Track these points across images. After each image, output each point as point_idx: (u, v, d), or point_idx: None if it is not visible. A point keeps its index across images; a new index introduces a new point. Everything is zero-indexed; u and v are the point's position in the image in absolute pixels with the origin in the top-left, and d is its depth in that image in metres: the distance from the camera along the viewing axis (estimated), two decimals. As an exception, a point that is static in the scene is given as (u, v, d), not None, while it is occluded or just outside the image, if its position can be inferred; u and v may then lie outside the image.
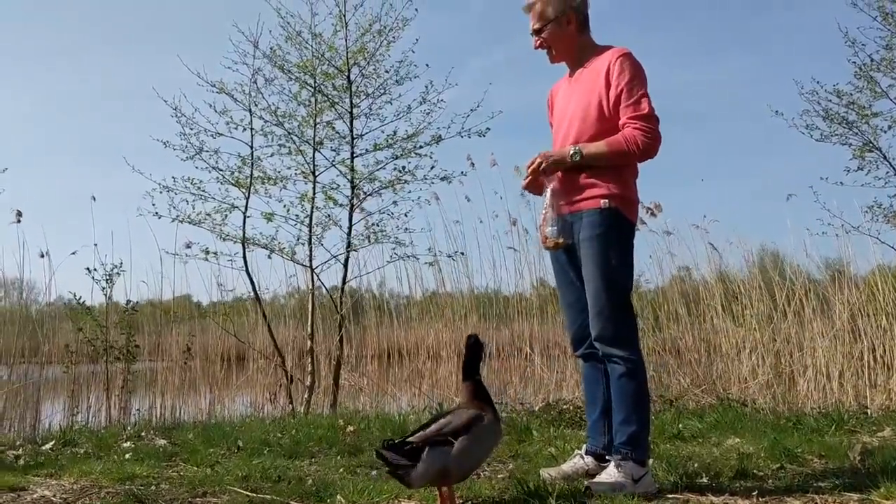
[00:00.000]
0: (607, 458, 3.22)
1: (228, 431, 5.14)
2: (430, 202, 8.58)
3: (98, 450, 4.66)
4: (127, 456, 4.36)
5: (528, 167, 3.34)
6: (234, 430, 5.31)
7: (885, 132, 7.96)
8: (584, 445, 3.47)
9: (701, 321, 8.41)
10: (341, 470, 3.73)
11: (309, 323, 7.90)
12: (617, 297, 3.18)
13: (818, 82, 8.08)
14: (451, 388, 8.33)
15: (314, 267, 7.90)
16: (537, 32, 3.45)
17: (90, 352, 7.50)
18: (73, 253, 7.80)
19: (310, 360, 7.82)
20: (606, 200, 3.21)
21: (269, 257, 7.96)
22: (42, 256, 8.00)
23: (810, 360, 7.16)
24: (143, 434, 5.24)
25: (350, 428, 5.16)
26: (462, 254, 8.51)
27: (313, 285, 7.96)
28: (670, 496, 2.96)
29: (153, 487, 3.42)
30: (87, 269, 7.40)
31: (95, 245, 7.57)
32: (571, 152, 3.23)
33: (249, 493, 3.12)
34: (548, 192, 3.30)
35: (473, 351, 3.19)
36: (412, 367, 9.08)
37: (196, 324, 9.33)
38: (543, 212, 3.32)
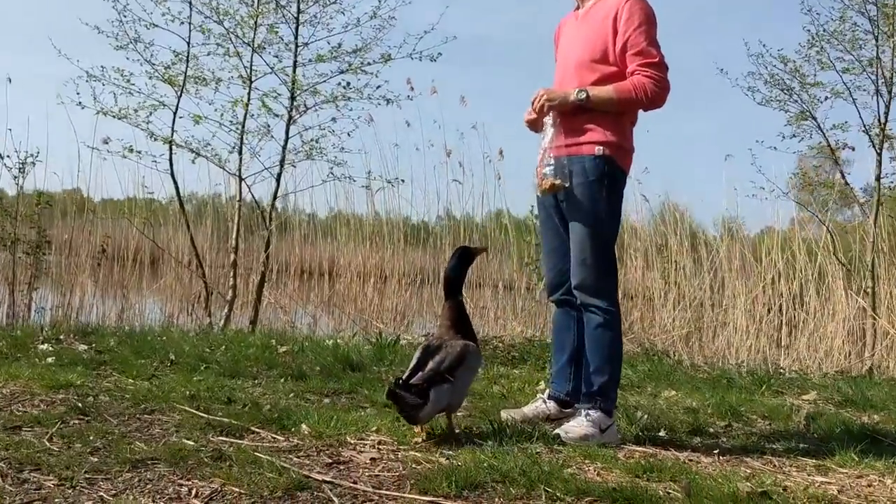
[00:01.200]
0: (576, 405, 3.20)
1: (152, 342, 4.91)
2: (367, 123, 8.34)
3: (14, 350, 4.38)
4: (49, 360, 4.11)
5: (533, 102, 3.19)
6: (157, 339, 5.09)
7: (822, 102, 8.12)
8: (547, 390, 3.44)
9: (623, 269, 8.57)
10: (291, 395, 3.60)
11: (233, 235, 7.62)
12: (601, 248, 3.11)
13: (764, 45, 8.14)
14: (375, 313, 8.25)
15: (244, 177, 7.57)
16: None
17: (-6, 241, 7.03)
18: (-18, 136, 7.24)
19: (232, 273, 7.56)
20: (602, 147, 3.10)
21: (194, 161, 7.57)
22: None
23: (731, 317, 7.40)
24: (61, 337, 4.94)
25: (283, 348, 5.02)
26: (402, 181, 8.33)
27: (240, 196, 7.65)
28: (637, 449, 2.97)
29: (91, 399, 3.21)
30: (-1, 155, 6.87)
31: (10, 130, 7.04)
32: (577, 94, 3.08)
33: (205, 415, 2.95)
34: (548, 132, 3.16)
35: (461, 264, 3.06)
36: (334, 289, 8.93)
37: (109, 223, 8.87)
38: (541, 152, 3.18)
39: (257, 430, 2.81)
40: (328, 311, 8.56)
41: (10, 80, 7.60)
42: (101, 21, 7.22)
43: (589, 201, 3.10)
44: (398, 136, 11.04)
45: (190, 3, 7.28)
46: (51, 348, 4.53)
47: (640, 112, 3.22)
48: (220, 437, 2.68)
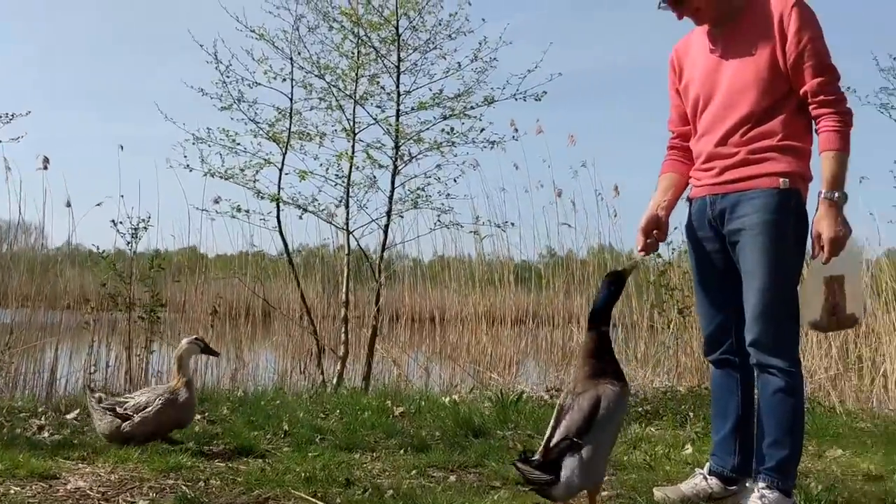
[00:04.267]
0: (747, 484, 2.74)
1: (266, 407, 4.71)
2: (473, 167, 8.07)
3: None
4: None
5: (828, 258, 2.62)
6: (270, 404, 4.88)
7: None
8: (707, 464, 2.98)
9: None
10: (413, 472, 3.27)
11: (343, 289, 7.42)
12: (784, 298, 2.66)
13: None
14: (486, 364, 7.89)
15: (352, 230, 7.40)
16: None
17: (108, 304, 7.05)
18: (99, 204, 7.38)
19: (343, 328, 7.34)
20: (786, 179, 2.64)
21: (301, 217, 7.46)
22: (68, 206, 7.59)
23: (885, 351, 6.64)
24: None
25: (399, 409, 4.74)
26: (512, 224, 8.01)
27: (349, 249, 7.46)
28: (825, 536, 2.50)
29: (201, 483, 2.98)
30: (113, 221, 6.91)
31: (122, 196, 7.11)
32: (838, 201, 2.61)
33: (322, 505, 2.66)
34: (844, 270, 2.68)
35: (611, 293, 2.64)
36: (445, 337, 8.64)
37: (221, 282, 8.89)
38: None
39: (381, 523, 2.49)
40: (440, 362, 8.26)
41: (122, 148, 7.73)
42: (205, 84, 7.20)
43: (772, 244, 2.64)
44: (504, 179, 10.75)
45: (291, 59, 7.21)
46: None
47: None
48: (340, 535, 2.38)
